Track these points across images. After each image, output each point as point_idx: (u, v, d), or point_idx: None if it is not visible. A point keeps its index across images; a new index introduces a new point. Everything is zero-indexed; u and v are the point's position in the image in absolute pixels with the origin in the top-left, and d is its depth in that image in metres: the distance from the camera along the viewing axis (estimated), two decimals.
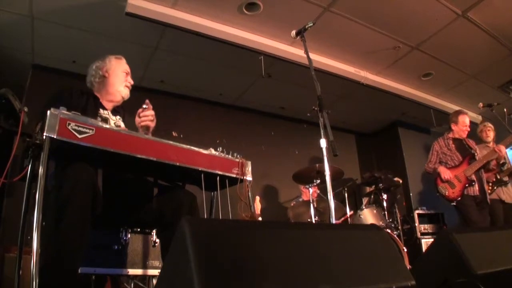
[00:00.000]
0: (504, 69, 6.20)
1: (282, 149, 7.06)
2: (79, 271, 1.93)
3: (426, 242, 6.21)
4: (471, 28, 5.08)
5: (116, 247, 2.37)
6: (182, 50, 5.17)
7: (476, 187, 4.88)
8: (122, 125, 2.67)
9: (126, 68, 2.85)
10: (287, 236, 1.35)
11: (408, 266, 4.36)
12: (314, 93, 2.85)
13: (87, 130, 1.89)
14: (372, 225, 1.88)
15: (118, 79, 2.77)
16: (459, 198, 4.83)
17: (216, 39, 4.71)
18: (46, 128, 1.79)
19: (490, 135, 5.61)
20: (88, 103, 2.55)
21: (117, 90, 2.75)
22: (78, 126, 1.87)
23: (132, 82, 2.86)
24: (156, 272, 2.46)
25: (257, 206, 5.13)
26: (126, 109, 2.94)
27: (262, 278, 1.15)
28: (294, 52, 5.16)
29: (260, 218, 4.99)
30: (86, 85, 2.80)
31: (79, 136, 1.86)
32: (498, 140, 5.22)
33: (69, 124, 1.85)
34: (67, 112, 1.87)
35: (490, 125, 5.74)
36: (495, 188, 5.30)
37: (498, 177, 5.25)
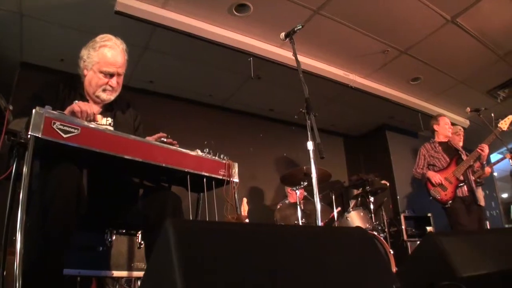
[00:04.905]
0: (492, 74, 6.27)
1: (270, 151, 7.08)
2: (64, 272, 1.91)
3: (412, 245, 6.26)
4: (460, 34, 5.13)
5: (101, 248, 2.35)
6: (172, 50, 5.15)
7: (465, 188, 4.93)
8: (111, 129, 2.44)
9: (108, 69, 2.46)
10: (271, 238, 1.35)
11: (394, 269, 4.39)
12: (303, 95, 2.86)
13: (73, 130, 1.86)
14: (357, 227, 1.89)
15: (94, 82, 2.46)
16: (451, 201, 4.87)
17: (205, 40, 4.70)
18: (31, 127, 1.76)
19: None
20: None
21: (95, 94, 2.48)
22: (64, 126, 1.84)
23: (114, 85, 2.50)
24: (141, 274, 2.43)
25: (244, 207, 5.12)
26: (122, 102, 2.70)
27: (245, 280, 1.14)
28: (284, 54, 5.16)
29: (247, 220, 4.98)
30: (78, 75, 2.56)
31: (64, 136, 1.83)
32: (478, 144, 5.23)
33: (54, 123, 1.82)
34: (53, 111, 1.85)
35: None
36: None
37: (474, 177, 5.30)
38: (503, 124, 4.96)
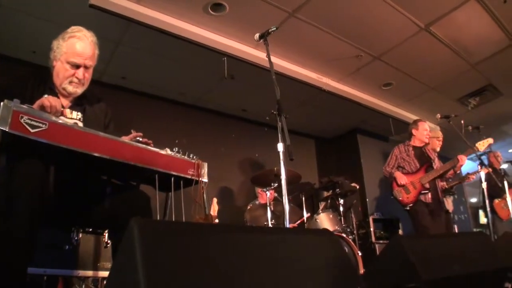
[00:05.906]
0: (463, 82, 6.43)
1: (242, 152, 7.08)
2: (29, 271, 1.87)
3: (380, 247, 6.36)
4: (433, 42, 5.25)
5: (67, 247, 2.31)
6: (146, 47, 5.09)
7: (429, 195, 5.02)
8: (81, 125, 2.42)
9: (75, 60, 2.40)
10: (237, 239, 1.35)
11: (362, 270, 4.45)
12: (275, 97, 2.87)
13: (40, 125, 1.82)
14: (324, 230, 1.90)
15: (62, 73, 2.42)
16: (412, 204, 4.98)
17: (180, 37, 4.67)
18: None
19: None
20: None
21: (62, 86, 2.42)
22: (31, 120, 1.80)
23: (80, 77, 2.43)
24: (107, 273, 2.41)
25: (214, 208, 5.11)
26: (92, 98, 2.64)
27: (209, 281, 1.14)
28: (258, 55, 5.17)
29: (216, 220, 4.97)
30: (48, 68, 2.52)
31: (32, 131, 1.79)
32: (447, 150, 5.36)
33: (22, 117, 1.77)
34: (21, 105, 1.81)
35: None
36: (445, 196, 5.48)
37: (447, 186, 5.43)
38: (481, 146, 5.05)
